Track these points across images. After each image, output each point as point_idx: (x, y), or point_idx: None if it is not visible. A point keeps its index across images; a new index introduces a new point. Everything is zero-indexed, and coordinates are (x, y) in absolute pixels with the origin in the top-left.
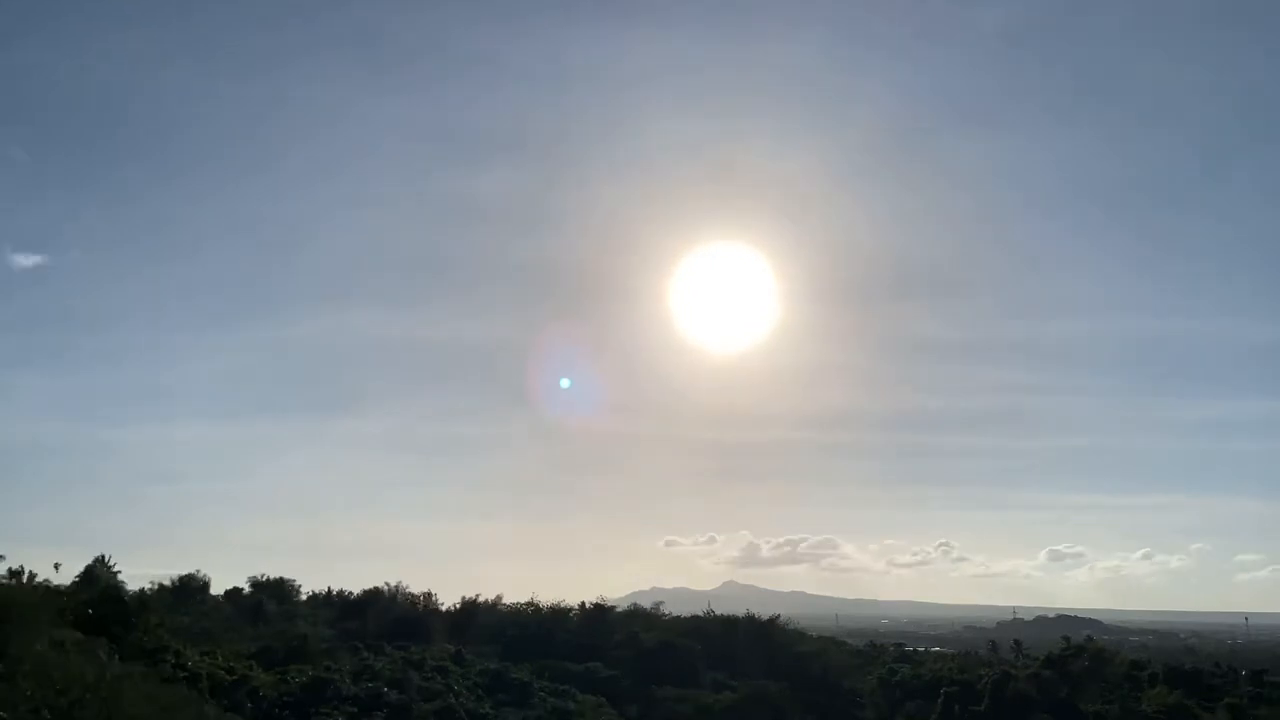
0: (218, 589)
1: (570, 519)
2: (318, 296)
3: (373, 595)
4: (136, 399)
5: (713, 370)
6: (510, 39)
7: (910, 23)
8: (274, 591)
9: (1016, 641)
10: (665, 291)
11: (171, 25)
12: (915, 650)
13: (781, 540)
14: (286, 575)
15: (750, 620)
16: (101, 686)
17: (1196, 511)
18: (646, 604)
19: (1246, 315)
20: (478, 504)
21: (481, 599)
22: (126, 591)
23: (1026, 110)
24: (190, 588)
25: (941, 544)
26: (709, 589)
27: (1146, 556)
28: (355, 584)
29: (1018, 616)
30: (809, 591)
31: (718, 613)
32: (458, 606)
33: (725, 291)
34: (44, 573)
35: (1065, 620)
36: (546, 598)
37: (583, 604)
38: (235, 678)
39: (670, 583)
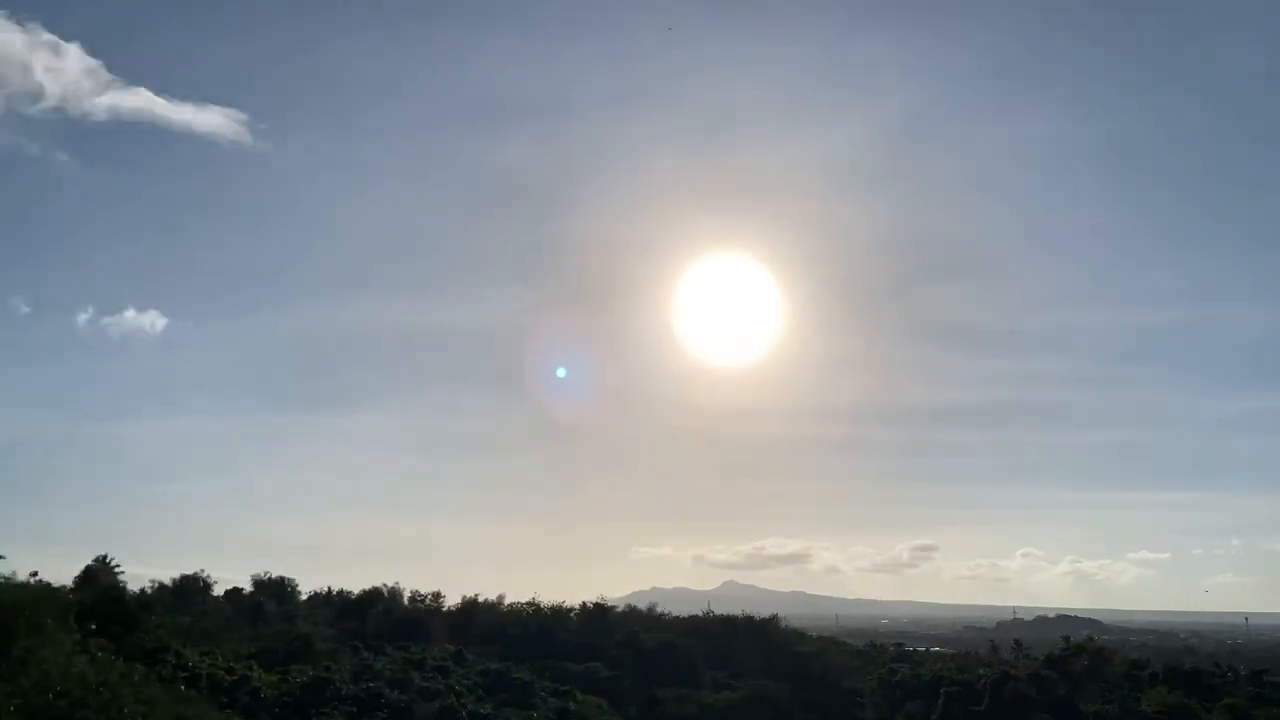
0: (218, 589)
1: (570, 518)
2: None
3: (373, 595)
4: (135, 393)
5: (714, 368)
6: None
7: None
8: (274, 591)
9: (1016, 641)
10: (667, 288)
11: None
12: (915, 650)
13: (781, 540)
14: (287, 575)
15: (750, 620)
16: (103, 688)
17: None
18: (646, 604)
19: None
20: (478, 504)
21: (482, 599)
22: (127, 592)
23: (1043, 92)
24: (191, 588)
25: (923, 545)
26: (709, 589)
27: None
28: (355, 584)
29: (1018, 616)
30: (809, 592)
31: (717, 613)
32: (458, 606)
33: (725, 291)
34: (44, 572)
35: (1065, 620)
36: (547, 598)
37: (583, 604)
38: (235, 678)
39: (670, 583)
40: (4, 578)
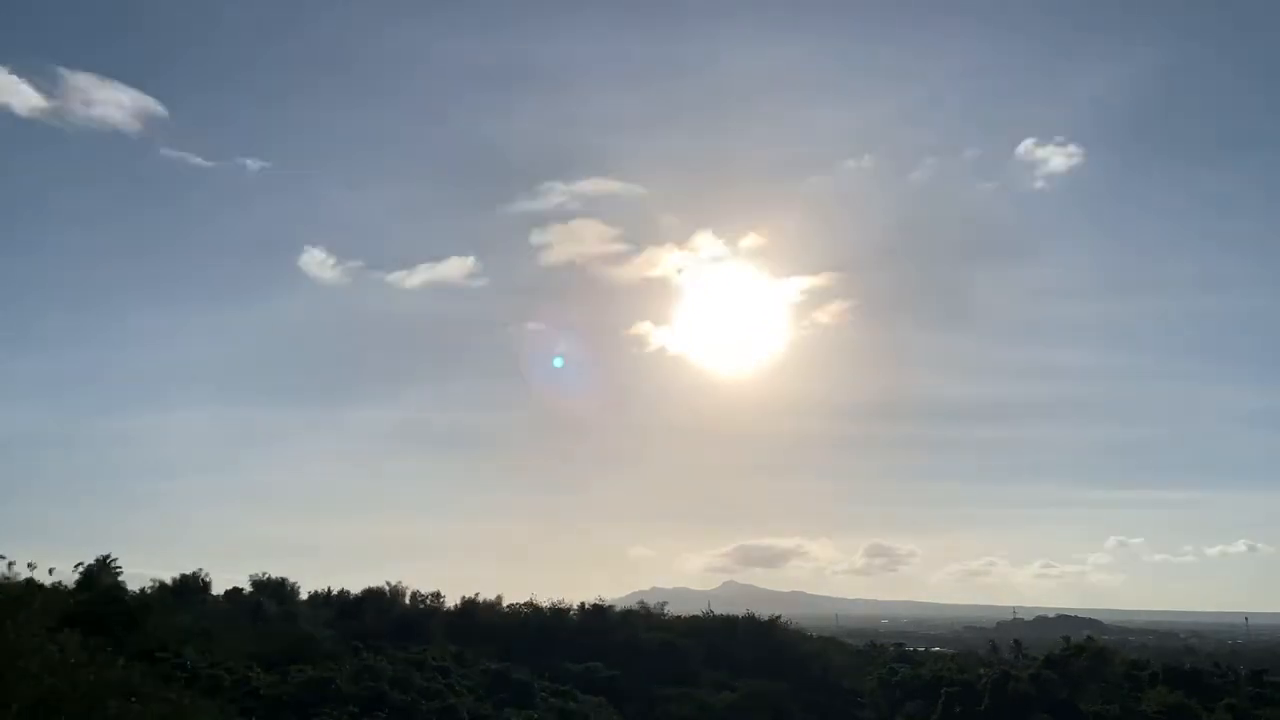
0: (217, 588)
1: (570, 518)
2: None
3: (373, 595)
4: (133, 387)
5: (714, 366)
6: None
7: None
8: (274, 591)
9: (1016, 641)
10: (667, 285)
11: None
12: (915, 650)
13: (782, 540)
14: (287, 575)
15: (750, 620)
16: (103, 688)
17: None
18: (646, 604)
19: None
20: (478, 503)
21: (482, 599)
22: (127, 591)
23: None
24: (190, 587)
25: (924, 545)
26: (709, 589)
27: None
28: (355, 584)
29: (1017, 617)
30: (809, 592)
31: (718, 613)
32: (458, 606)
33: (727, 289)
34: (41, 571)
35: (1065, 620)
36: (546, 598)
37: (583, 604)
38: (235, 678)
39: (670, 583)
40: (4, 577)
